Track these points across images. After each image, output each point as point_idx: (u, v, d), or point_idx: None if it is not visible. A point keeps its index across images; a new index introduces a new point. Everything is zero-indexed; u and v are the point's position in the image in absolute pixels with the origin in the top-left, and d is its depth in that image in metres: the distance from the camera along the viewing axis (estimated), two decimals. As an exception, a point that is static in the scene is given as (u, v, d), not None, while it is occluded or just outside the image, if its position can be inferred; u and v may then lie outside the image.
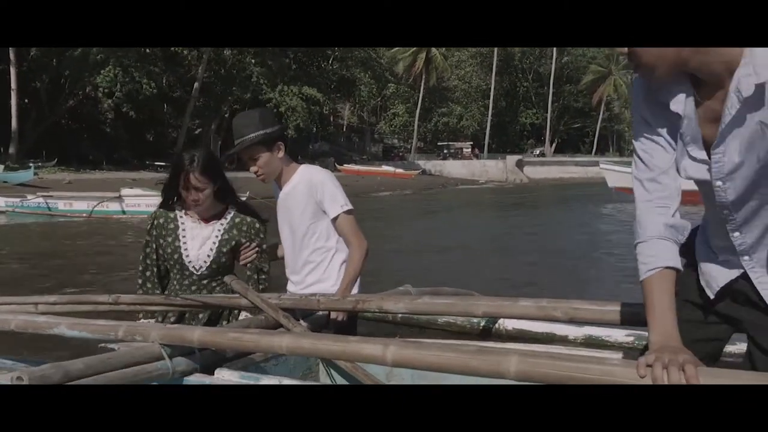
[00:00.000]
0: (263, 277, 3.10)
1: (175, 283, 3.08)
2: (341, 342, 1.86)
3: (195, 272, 3.04)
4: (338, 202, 2.91)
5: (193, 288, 3.05)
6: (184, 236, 3.04)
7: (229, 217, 3.08)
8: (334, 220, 2.92)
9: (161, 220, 3.07)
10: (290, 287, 3.09)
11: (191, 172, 2.90)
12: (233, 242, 3.05)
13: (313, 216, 2.94)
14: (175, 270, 3.07)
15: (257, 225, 3.11)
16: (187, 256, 3.03)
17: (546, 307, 2.35)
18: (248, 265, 3.09)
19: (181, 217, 3.07)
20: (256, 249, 3.08)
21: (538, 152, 68.98)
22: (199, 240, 3.04)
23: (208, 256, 3.04)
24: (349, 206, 2.93)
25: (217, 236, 3.04)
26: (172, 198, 3.06)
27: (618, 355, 2.44)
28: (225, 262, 3.06)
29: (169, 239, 3.05)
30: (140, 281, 3.13)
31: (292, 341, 1.92)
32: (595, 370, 1.42)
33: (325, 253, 2.98)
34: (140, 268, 3.13)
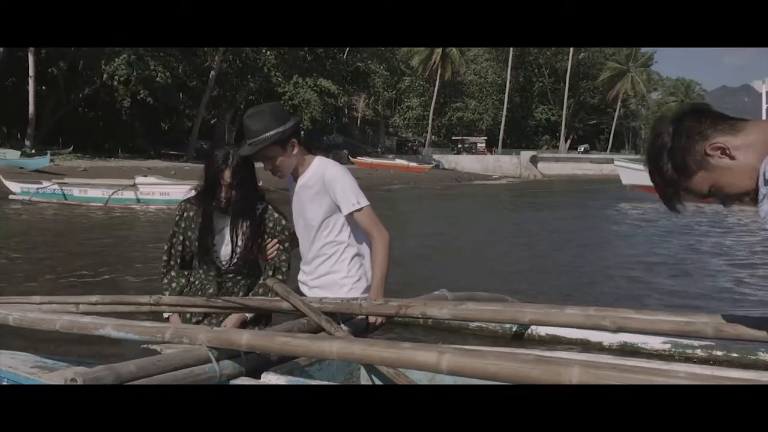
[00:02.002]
0: (279, 277, 3.04)
1: (201, 273, 3.07)
2: (393, 348, 1.83)
3: (222, 266, 3.04)
4: (351, 200, 2.87)
5: (218, 281, 3.05)
6: (212, 230, 3.02)
7: (257, 213, 3.05)
8: (350, 215, 2.90)
9: (191, 213, 3.05)
10: (301, 276, 3.10)
11: (225, 170, 2.87)
12: (259, 239, 3.04)
13: (327, 210, 2.92)
14: (202, 260, 3.05)
15: (283, 222, 3.09)
16: (215, 251, 3.02)
17: (594, 316, 2.32)
18: (268, 260, 3.07)
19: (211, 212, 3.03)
20: (278, 246, 3.06)
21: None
22: (227, 235, 3.02)
23: (235, 252, 3.03)
24: (364, 202, 2.89)
25: (245, 233, 3.02)
26: (209, 194, 2.98)
27: (681, 367, 2.39)
28: (250, 258, 3.06)
29: (198, 233, 3.04)
30: (164, 270, 3.10)
31: (342, 347, 1.90)
32: (661, 382, 1.39)
33: (336, 246, 2.96)
34: (164, 258, 3.11)
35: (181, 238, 3.07)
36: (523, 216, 20.29)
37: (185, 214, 3.06)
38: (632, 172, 26.51)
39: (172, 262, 3.10)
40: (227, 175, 2.87)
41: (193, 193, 3.09)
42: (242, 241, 3.01)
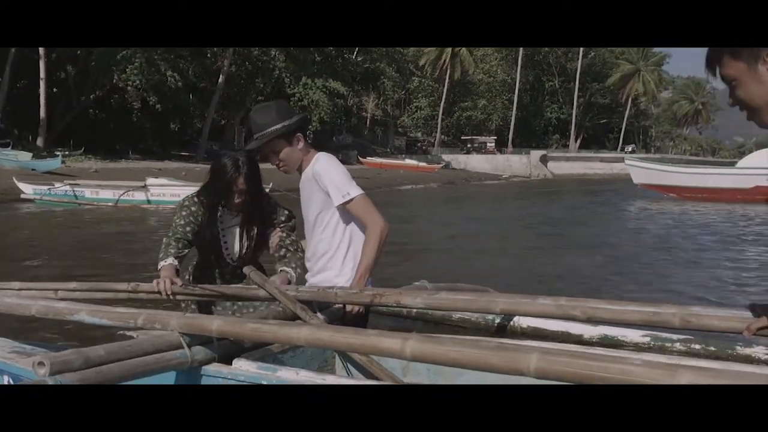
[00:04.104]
0: (283, 252, 3.11)
1: (213, 266, 3.16)
2: (360, 335, 1.86)
3: (232, 263, 3.13)
4: (341, 191, 2.84)
5: (227, 276, 3.15)
6: (222, 229, 3.12)
7: (263, 210, 3.15)
8: (343, 207, 2.87)
9: (193, 209, 3.09)
10: (307, 275, 3.13)
11: (238, 177, 2.93)
12: (265, 231, 3.16)
13: (320, 206, 2.92)
14: (212, 258, 3.14)
15: (283, 212, 3.19)
16: (227, 249, 3.12)
17: (564, 306, 2.34)
18: (279, 247, 3.14)
19: (219, 210, 3.10)
20: (279, 232, 3.13)
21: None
22: (237, 233, 3.12)
23: (243, 249, 3.15)
24: (354, 192, 2.84)
25: (255, 231, 3.13)
26: (218, 197, 3.03)
27: (638, 356, 2.42)
28: (257, 254, 3.19)
29: (209, 231, 3.12)
30: (165, 242, 2.98)
31: (310, 333, 1.93)
32: (615, 369, 1.40)
33: (330, 243, 2.95)
34: (170, 234, 2.99)
35: (194, 227, 3.03)
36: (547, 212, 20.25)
37: (194, 209, 3.06)
38: (643, 171, 26.43)
39: (173, 240, 2.97)
40: (240, 182, 2.95)
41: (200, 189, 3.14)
42: (252, 239, 3.11)
